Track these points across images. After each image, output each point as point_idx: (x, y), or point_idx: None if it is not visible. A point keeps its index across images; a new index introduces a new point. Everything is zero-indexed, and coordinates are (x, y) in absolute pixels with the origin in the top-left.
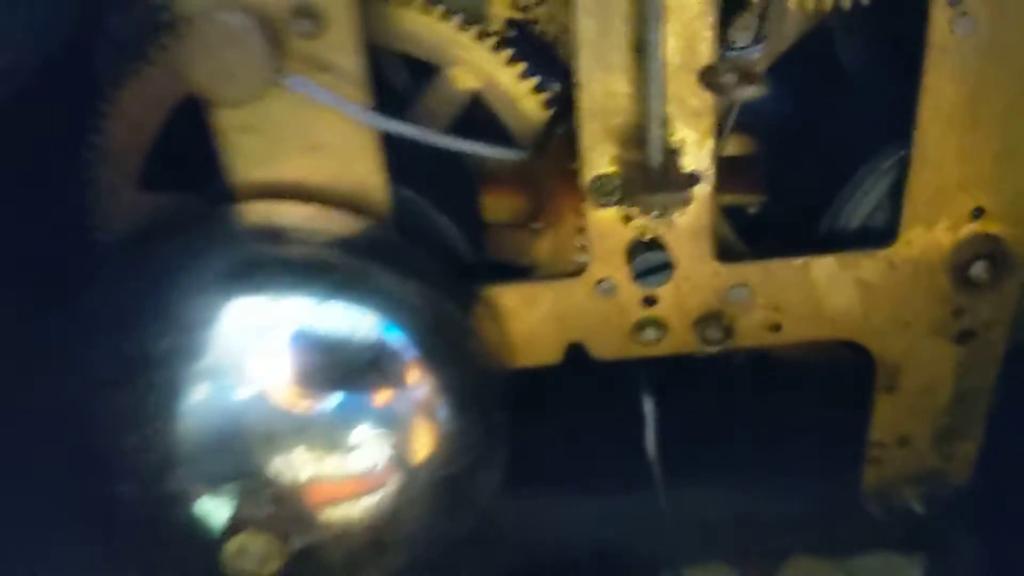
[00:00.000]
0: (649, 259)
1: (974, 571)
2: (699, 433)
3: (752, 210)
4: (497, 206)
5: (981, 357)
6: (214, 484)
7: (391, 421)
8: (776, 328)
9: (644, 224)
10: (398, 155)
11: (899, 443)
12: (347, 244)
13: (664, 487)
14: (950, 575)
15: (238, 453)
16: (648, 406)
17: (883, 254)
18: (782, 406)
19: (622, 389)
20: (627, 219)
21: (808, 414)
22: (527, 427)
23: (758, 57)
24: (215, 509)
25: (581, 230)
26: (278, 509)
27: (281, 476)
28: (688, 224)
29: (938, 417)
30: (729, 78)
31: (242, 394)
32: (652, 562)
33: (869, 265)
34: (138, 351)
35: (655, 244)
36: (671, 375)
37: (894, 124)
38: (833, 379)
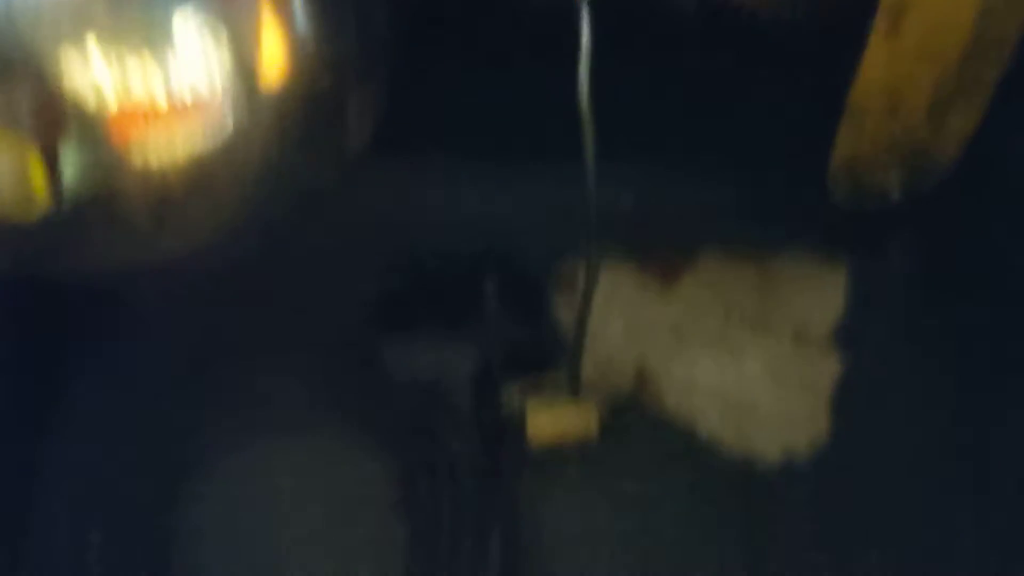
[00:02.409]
0: None
1: (902, 283)
2: (628, 98)
3: None
4: None
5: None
6: None
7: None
8: None
9: None
10: None
11: (888, 108)
12: None
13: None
14: (874, 285)
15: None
16: (585, 45)
17: None
18: (735, 68)
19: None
20: None
21: (767, 80)
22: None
23: None
24: None
25: None
26: (43, 115)
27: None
28: None
29: (942, 76)
30: None
31: None
32: (540, 253)
33: None
34: None
35: None
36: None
37: None
38: (803, 36)
